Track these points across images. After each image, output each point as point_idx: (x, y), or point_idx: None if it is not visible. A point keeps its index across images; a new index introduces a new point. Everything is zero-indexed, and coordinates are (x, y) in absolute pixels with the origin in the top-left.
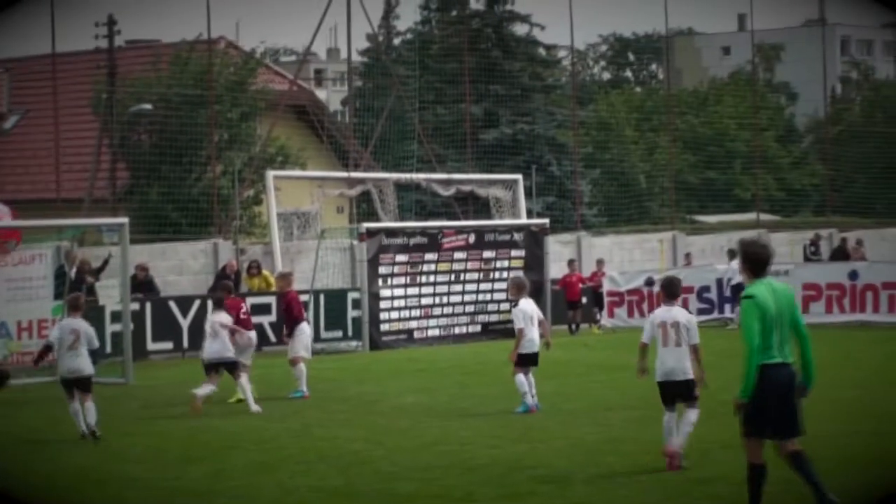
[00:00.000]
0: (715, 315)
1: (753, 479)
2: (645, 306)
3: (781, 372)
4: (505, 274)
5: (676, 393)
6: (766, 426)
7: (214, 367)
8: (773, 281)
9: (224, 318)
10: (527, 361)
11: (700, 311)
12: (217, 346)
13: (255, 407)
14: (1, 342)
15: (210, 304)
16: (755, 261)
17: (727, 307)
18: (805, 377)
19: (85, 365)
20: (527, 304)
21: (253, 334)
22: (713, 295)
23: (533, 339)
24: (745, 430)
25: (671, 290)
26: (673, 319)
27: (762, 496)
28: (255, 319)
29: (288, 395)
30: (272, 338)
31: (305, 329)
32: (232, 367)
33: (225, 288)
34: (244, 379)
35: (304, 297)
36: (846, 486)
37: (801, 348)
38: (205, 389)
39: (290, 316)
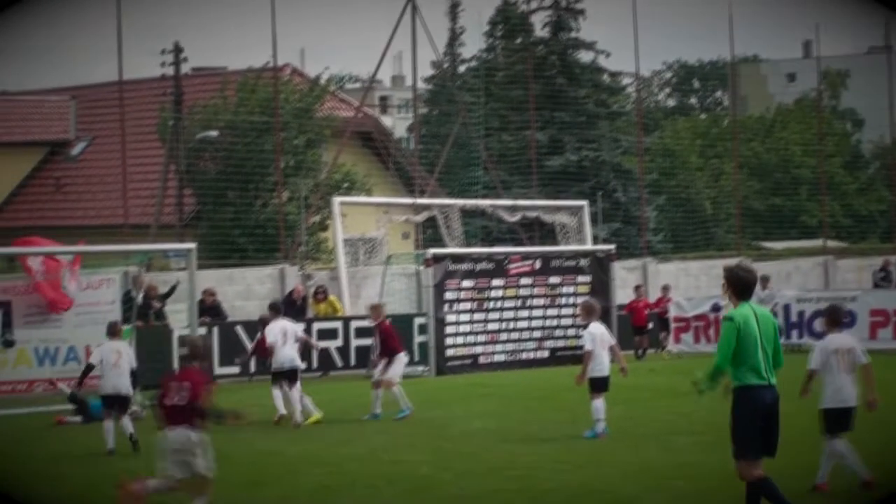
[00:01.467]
0: (782, 340)
1: (768, 495)
2: (711, 332)
3: (767, 394)
4: (571, 300)
5: (844, 420)
6: (756, 446)
7: (287, 375)
8: (755, 305)
9: (297, 327)
10: (599, 386)
11: None
12: (288, 352)
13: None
14: (140, 395)
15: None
16: (740, 284)
17: (794, 333)
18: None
19: (125, 385)
20: (596, 328)
21: None
22: (780, 321)
23: (603, 363)
24: (739, 453)
25: (836, 317)
26: (846, 346)
27: (783, 499)
28: (321, 344)
29: (395, 417)
30: (338, 363)
31: (403, 359)
32: (295, 375)
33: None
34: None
35: (369, 323)
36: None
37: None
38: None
39: (388, 346)
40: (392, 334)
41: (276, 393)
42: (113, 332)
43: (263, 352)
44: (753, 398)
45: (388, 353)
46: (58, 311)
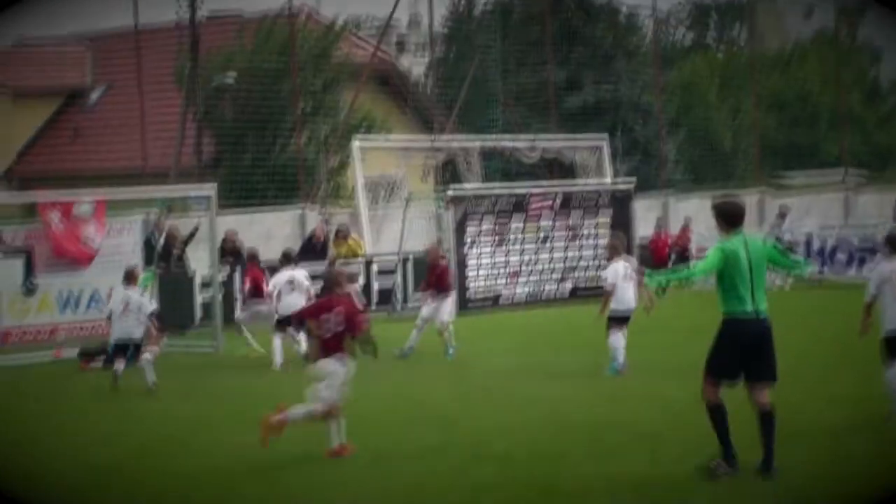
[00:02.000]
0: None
1: (714, 420)
2: None
3: (751, 325)
4: (592, 236)
5: None
6: (727, 373)
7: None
8: (748, 236)
9: (305, 279)
10: (618, 322)
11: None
12: (294, 301)
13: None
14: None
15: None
16: (728, 216)
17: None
18: (803, 264)
19: (136, 331)
20: (620, 264)
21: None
22: (801, 253)
23: (624, 299)
24: (706, 370)
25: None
26: None
27: (729, 434)
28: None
29: (447, 356)
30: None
31: (450, 299)
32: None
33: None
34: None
35: (391, 263)
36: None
37: (794, 266)
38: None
39: (443, 284)
40: (448, 273)
41: (277, 342)
42: (128, 278)
43: (258, 292)
44: (737, 329)
45: (443, 290)
46: (83, 265)
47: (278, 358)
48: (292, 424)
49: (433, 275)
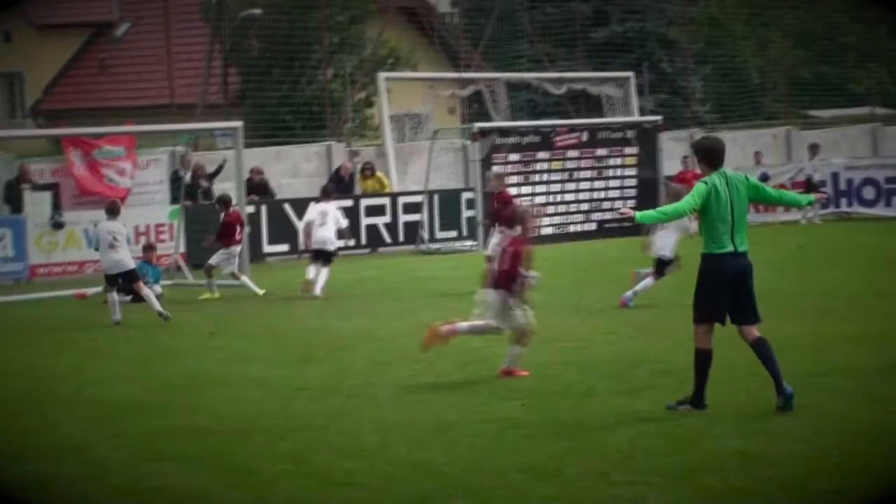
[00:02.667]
0: (831, 210)
1: (699, 365)
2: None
3: (732, 261)
4: (618, 171)
5: None
6: (716, 313)
7: (320, 255)
8: (729, 172)
9: (338, 211)
10: (659, 267)
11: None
12: (325, 233)
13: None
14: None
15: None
16: (709, 153)
17: (842, 201)
18: (801, 200)
19: (126, 260)
20: None
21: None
22: (828, 189)
23: (667, 244)
24: (696, 317)
25: None
26: None
27: (707, 381)
28: (369, 221)
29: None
30: (387, 239)
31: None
32: (330, 256)
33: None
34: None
35: (417, 198)
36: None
37: (782, 201)
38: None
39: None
40: (512, 202)
41: (313, 271)
42: (111, 211)
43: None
44: (718, 266)
45: (506, 220)
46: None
47: (315, 281)
48: (459, 336)
49: (498, 205)
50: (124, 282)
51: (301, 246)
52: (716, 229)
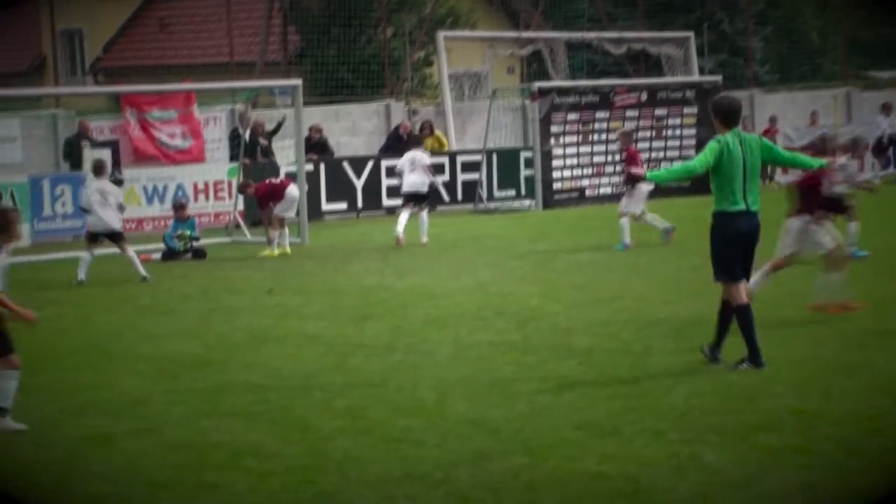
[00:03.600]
0: (891, 170)
1: (742, 322)
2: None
3: (744, 220)
4: (677, 132)
5: None
6: (734, 270)
7: (413, 198)
8: (742, 133)
9: (426, 158)
10: None
11: (873, 167)
12: (416, 178)
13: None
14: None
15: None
16: (726, 112)
17: None
18: (812, 163)
19: (113, 220)
20: None
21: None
22: (891, 152)
23: None
24: (719, 276)
25: None
26: None
27: (755, 335)
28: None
29: (615, 247)
30: (445, 197)
31: (643, 187)
32: (423, 199)
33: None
34: None
35: (476, 157)
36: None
37: (794, 163)
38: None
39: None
40: (637, 158)
41: (403, 216)
42: (98, 170)
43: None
44: (729, 224)
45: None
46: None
47: (400, 228)
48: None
49: (626, 161)
50: (114, 242)
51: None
52: (728, 187)
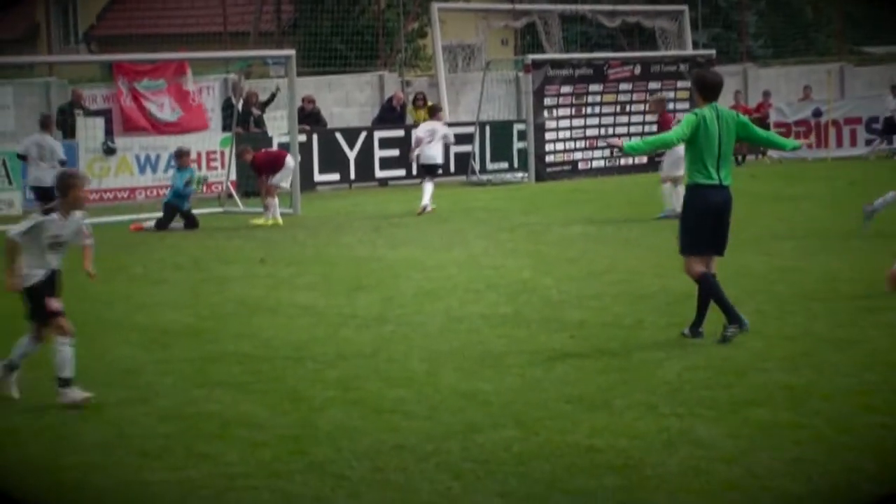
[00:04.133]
0: (884, 146)
1: (710, 290)
2: (812, 137)
3: (716, 193)
4: (671, 105)
5: None
6: (702, 244)
7: (428, 169)
8: (721, 108)
9: (445, 129)
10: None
11: (867, 143)
12: (433, 150)
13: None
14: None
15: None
16: (707, 86)
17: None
18: (786, 143)
19: (48, 177)
20: None
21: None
22: (880, 126)
23: None
24: (684, 250)
25: None
26: None
27: (725, 297)
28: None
29: (658, 216)
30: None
31: (678, 150)
32: (435, 170)
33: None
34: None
35: (469, 129)
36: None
37: (769, 142)
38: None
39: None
40: (669, 124)
41: (429, 186)
42: (44, 125)
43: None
44: (702, 197)
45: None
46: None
47: (427, 198)
48: None
49: (660, 127)
50: (44, 201)
51: (411, 160)
52: (702, 161)
